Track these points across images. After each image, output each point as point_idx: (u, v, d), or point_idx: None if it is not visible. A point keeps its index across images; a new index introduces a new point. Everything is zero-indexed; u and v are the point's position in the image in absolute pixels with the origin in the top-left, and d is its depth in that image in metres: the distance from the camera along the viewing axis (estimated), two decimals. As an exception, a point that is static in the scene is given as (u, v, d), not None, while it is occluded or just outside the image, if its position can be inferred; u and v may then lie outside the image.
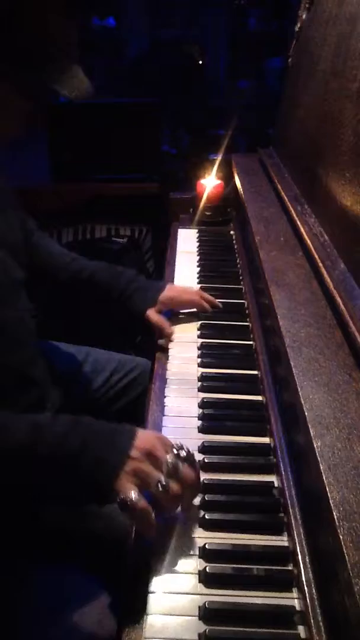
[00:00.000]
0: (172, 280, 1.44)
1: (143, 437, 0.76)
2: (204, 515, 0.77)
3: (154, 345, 1.20)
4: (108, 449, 0.74)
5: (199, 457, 0.87)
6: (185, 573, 0.70)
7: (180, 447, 0.76)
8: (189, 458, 0.76)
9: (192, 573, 0.70)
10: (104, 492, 0.72)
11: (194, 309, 1.27)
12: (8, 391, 1.00)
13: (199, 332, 1.20)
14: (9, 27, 0.75)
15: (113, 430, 0.77)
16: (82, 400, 1.30)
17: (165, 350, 1.15)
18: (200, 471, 0.83)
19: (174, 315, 1.27)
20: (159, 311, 1.23)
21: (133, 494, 0.70)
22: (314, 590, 0.65)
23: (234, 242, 1.65)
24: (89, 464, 0.73)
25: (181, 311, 1.28)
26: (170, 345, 1.16)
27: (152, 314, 1.22)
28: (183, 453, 0.76)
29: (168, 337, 1.18)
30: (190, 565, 0.71)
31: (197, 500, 0.79)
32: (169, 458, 0.74)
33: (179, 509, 0.77)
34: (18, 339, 1.02)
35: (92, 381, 1.34)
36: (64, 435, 0.75)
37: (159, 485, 0.72)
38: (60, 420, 0.78)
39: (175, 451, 0.75)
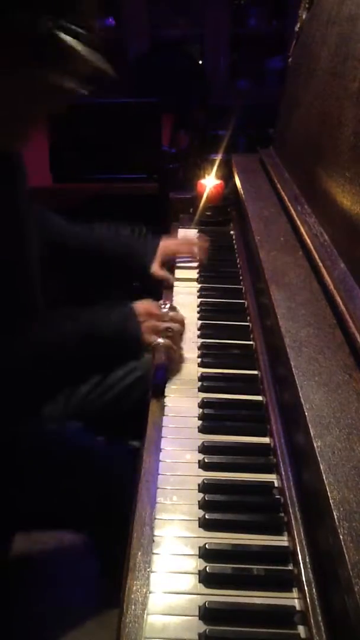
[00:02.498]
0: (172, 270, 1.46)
1: (140, 306, 1.03)
2: (204, 515, 0.77)
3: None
4: (125, 329, 1.01)
5: (199, 457, 0.87)
6: (185, 573, 0.70)
7: (164, 303, 1.09)
8: (172, 307, 1.09)
9: (192, 573, 0.70)
10: (139, 349, 1.03)
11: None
12: None
13: (199, 332, 1.20)
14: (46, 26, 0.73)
15: (120, 315, 1.02)
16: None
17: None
18: (201, 470, 0.84)
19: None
20: (160, 264, 1.38)
21: (156, 339, 1.01)
22: (314, 590, 0.65)
23: (234, 242, 1.65)
24: (121, 345, 1.02)
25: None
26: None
27: (157, 269, 1.37)
28: (168, 305, 1.08)
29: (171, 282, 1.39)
30: (190, 565, 0.71)
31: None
32: (164, 310, 1.06)
33: None
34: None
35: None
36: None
37: (168, 330, 1.03)
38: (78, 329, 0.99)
39: (164, 306, 1.07)
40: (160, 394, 1.01)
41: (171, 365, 1.06)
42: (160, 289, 1.37)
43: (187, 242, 1.48)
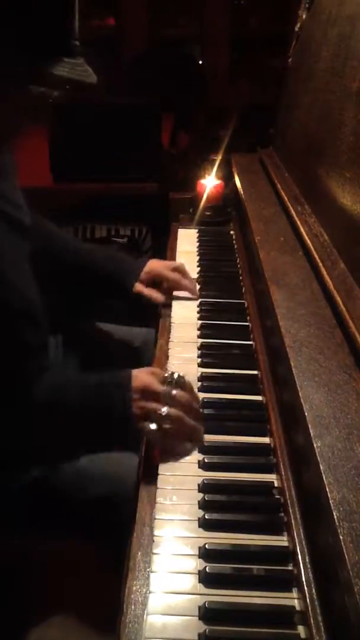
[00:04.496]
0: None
1: (138, 378, 0.88)
2: (204, 515, 0.77)
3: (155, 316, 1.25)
4: (112, 407, 0.87)
5: (199, 457, 0.87)
6: (185, 573, 0.70)
7: (172, 375, 0.88)
8: (179, 381, 0.88)
9: (192, 573, 0.70)
10: (126, 433, 0.89)
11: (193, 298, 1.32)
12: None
13: (199, 332, 1.20)
14: (34, 16, 0.74)
15: (109, 389, 0.89)
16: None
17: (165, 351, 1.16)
18: (201, 470, 0.84)
19: (174, 313, 1.27)
20: (145, 284, 1.29)
21: (148, 425, 0.83)
22: (314, 590, 0.65)
23: (234, 242, 1.65)
24: (105, 426, 0.88)
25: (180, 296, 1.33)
26: (170, 345, 1.16)
27: (140, 287, 1.28)
28: (175, 377, 0.88)
29: (160, 302, 1.28)
30: (190, 565, 0.71)
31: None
32: (165, 388, 0.86)
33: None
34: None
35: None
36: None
37: (164, 416, 0.84)
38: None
39: (169, 379, 0.87)
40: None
41: (163, 458, 0.86)
42: (148, 309, 1.30)
43: (174, 267, 1.35)
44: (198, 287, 1.39)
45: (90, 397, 0.90)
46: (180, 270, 1.34)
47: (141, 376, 0.89)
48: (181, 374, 0.89)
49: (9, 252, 0.92)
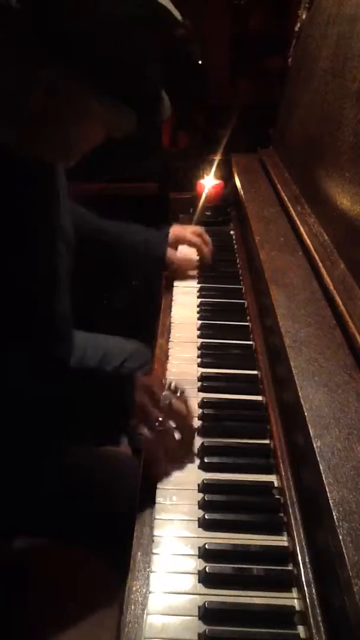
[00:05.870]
0: (171, 282, 1.44)
1: (142, 380, 0.89)
2: (203, 515, 0.77)
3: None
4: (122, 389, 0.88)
5: (199, 457, 0.87)
6: (185, 573, 0.70)
7: (169, 385, 0.89)
8: (176, 390, 0.89)
9: (191, 573, 0.70)
10: (124, 424, 0.86)
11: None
12: None
13: (199, 332, 1.20)
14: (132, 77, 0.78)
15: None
16: None
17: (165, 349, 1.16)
18: (201, 470, 0.84)
19: (174, 313, 1.27)
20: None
21: (143, 429, 0.83)
22: (314, 590, 0.65)
23: (234, 242, 1.65)
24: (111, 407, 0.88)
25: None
26: (170, 345, 1.16)
27: (171, 254, 1.38)
28: (173, 386, 0.89)
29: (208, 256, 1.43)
30: (190, 565, 0.71)
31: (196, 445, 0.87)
32: (165, 393, 0.87)
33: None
34: (67, 331, 1.07)
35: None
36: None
37: (159, 424, 0.84)
38: None
39: (167, 391, 0.88)
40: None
41: (152, 469, 0.84)
42: (174, 277, 1.39)
43: (196, 231, 1.46)
44: (198, 287, 1.39)
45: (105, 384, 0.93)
46: (201, 235, 1.45)
47: (144, 378, 0.91)
48: (177, 386, 0.91)
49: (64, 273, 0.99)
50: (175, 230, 1.42)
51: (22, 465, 0.96)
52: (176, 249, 1.42)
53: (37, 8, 0.68)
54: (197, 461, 0.87)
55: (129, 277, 1.71)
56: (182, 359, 1.11)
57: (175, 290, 1.38)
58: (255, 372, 1.06)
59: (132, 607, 0.67)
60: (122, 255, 1.36)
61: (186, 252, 1.45)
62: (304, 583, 0.66)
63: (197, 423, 0.94)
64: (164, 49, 0.80)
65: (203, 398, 0.99)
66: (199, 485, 0.82)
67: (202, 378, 1.05)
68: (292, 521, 0.74)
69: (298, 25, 1.63)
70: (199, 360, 1.11)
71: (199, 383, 1.04)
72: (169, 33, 0.79)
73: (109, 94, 0.77)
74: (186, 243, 1.43)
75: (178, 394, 0.89)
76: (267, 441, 0.91)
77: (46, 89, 0.75)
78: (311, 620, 0.62)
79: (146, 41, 0.76)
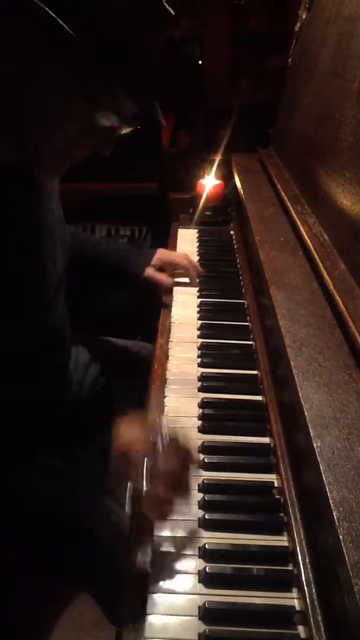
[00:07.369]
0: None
1: (120, 443, 0.76)
2: (204, 515, 0.77)
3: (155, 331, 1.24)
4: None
5: (199, 457, 0.87)
6: (185, 573, 0.70)
7: (159, 436, 0.74)
8: (171, 440, 0.75)
9: (191, 573, 0.70)
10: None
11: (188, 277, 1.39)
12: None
13: (199, 332, 1.20)
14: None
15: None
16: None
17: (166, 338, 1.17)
18: (200, 470, 0.84)
19: (174, 313, 1.27)
20: (156, 269, 1.36)
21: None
22: (314, 590, 0.65)
23: (234, 242, 1.65)
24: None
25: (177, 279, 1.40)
26: (170, 345, 1.16)
27: (151, 272, 1.34)
28: (163, 425, 0.75)
29: (169, 286, 1.37)
30: (190, 565, 0.71)
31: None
32: (150, 440, 0.74)
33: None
34: (64, 337, 1.07)
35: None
36: None
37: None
38: None
39: (158, 443, 0.74)
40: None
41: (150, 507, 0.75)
42: (159, 293, 1.36)
43: (183, 256, 1.43)
44: (198, 287, 1.39)
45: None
46: (187, 259, 1.42)
47: (125, 434, 0.78)
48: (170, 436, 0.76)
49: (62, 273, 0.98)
50: (162, 253, 1.40)
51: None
52: (161, 270, 1.38)
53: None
54: (198, 461, 0.86)
55: (109, 291, 1.69)
56: (182, 359, 1.11)
57: (175, 290, 1.38)
58: (255, 372, 1.06)
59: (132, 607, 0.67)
60: (103, 268, 1.36)
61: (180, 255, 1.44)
62: (304, 583, 0.66)
63: (197, 423, 0.94)
64: (164, 49, 0.80)
65: (203, 398, 0.99)
66: (199, 485, 0.82)
67: (202, 378, 1.05)
68: (292, 521, 0.74)
69: (298, 25, 1.64)
70: (199, 360, 1.11)
71: (199, 383, 1.04)
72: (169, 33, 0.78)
73: (111, 91, 0.76)
74: (172, 266, 1.40)
75: (169, 441, 0.75)
76: (267, 441, 0.91)
77: (48, 89, 0.75)
78: (311, 620, 0.62)
79: (151, 39, 0.75)
